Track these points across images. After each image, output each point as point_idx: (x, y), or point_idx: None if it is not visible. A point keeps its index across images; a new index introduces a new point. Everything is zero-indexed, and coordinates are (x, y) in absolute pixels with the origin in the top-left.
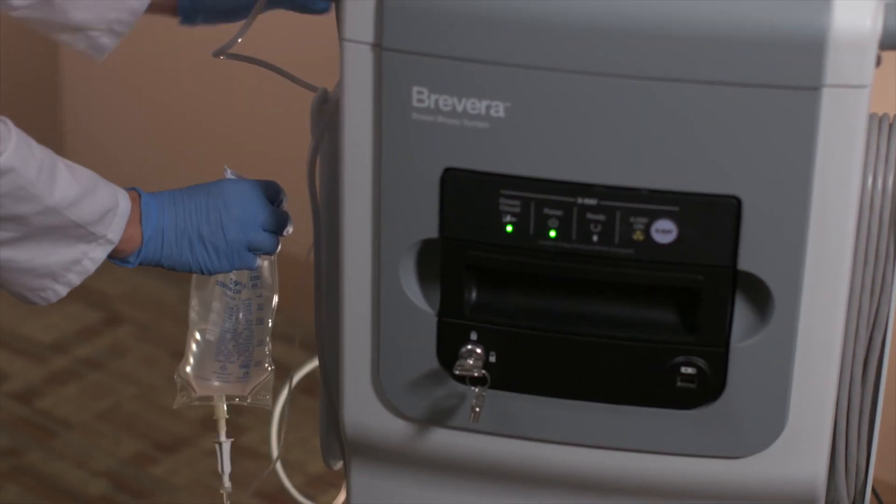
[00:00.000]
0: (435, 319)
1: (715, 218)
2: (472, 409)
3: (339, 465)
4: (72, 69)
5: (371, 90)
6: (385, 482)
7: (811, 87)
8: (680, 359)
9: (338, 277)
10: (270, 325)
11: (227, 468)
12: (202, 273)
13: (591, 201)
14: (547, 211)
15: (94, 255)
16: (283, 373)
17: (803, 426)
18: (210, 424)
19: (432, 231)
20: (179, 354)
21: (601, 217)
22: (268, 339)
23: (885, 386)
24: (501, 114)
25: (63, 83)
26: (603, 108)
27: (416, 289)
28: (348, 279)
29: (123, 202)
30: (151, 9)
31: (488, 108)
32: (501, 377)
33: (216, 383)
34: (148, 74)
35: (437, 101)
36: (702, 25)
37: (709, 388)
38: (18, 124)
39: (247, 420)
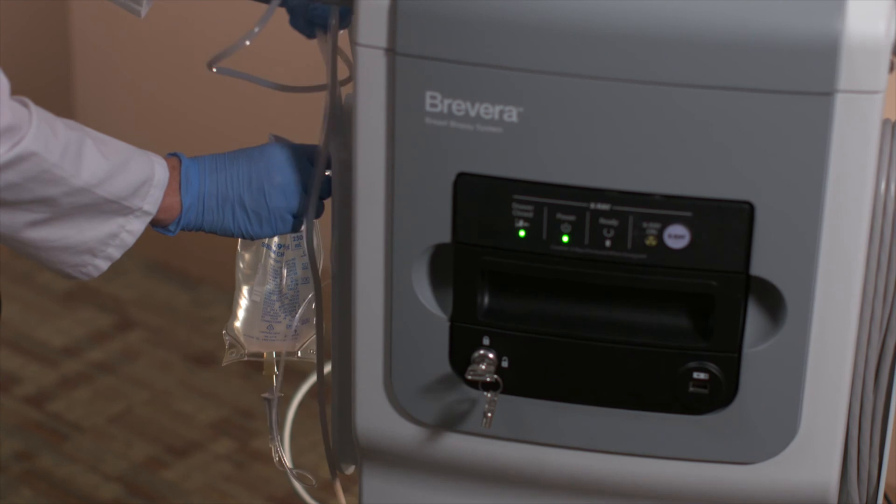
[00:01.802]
0: (447, 324)
1: (728, 223)
2: (485, 415)
3: (350, 469)
4: (85, 74)
5: (384, 95)
6: (397, 487)
7: (824, 93)
8: (692, 364)
9: (350, 282)
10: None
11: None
12: (245, 238)
13: (604, 206)
14: (560, 216)
15: (132, 228)
16: (295, 378)
17: (815, 432)
18: (222, 429)
19: (445, 236)
20: (192, 359)
21: (614, 222)
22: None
23: None
24: (514, 119)
25: (76, 88)
26: (616, 113)
27: (428, 294)
28: (361, 284)
29: (160, 172)
30: None
31: (501, 112)
32: (514, 382)
33: (266, 340)
34: (160, 77)
35: (450, 106)
36: (715, 31)
37: (721, 393)
38: None
39: (259, 425)
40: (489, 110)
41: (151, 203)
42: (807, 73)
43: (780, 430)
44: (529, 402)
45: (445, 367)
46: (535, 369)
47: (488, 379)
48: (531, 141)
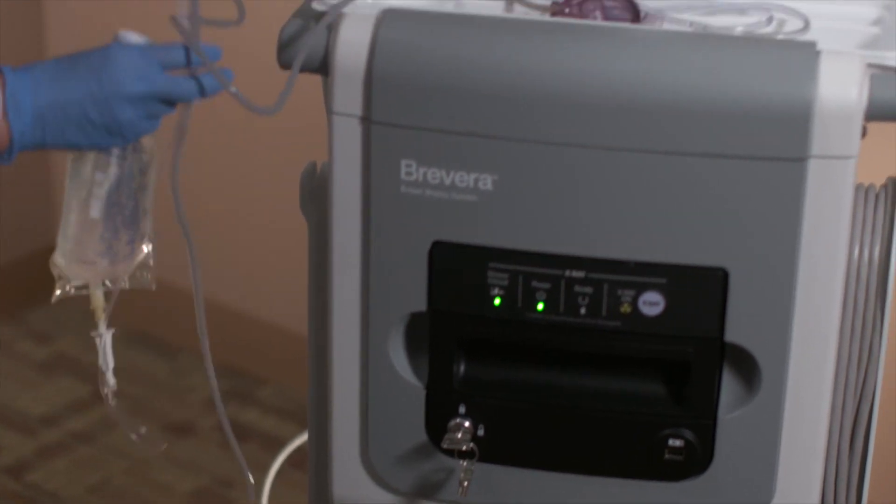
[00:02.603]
0: (423, 392)
1: (702, 290)
2: (460, 483)
3: None
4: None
5: (360, 163)
6: None
7: (797, 159)
8: (668, 431)
9: (327, 348)
10: (152, 191)
11: (111, 363)
12: (95, 150)
13: (579, 274)
14: (535, 284)
15: None
16: (274, 446)
17: (791, 499)
18: (202, 498)
19: (421, 304)
20: (172, 428)
21: (589, 289)
22: (150, 208)
23: (872, 458)
24: (489, 187)
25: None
26: (590, 181)
27: (404, 361)
28: (337, 351)
29: None
30: None
31: (476, 180)
32: (490, 450)
33: (104, 262)
34: None
35: (425, 175)
36: (688, 98)
37: (696, 460)
38: None
39: (238, 494)
40: (464, 178)
41: None
42: (780, 140)
43: (755, 497)
44: (506, 469)
45: (422, 436)
46: (512, 437)
47: (464, 447)
48: (506, 209)
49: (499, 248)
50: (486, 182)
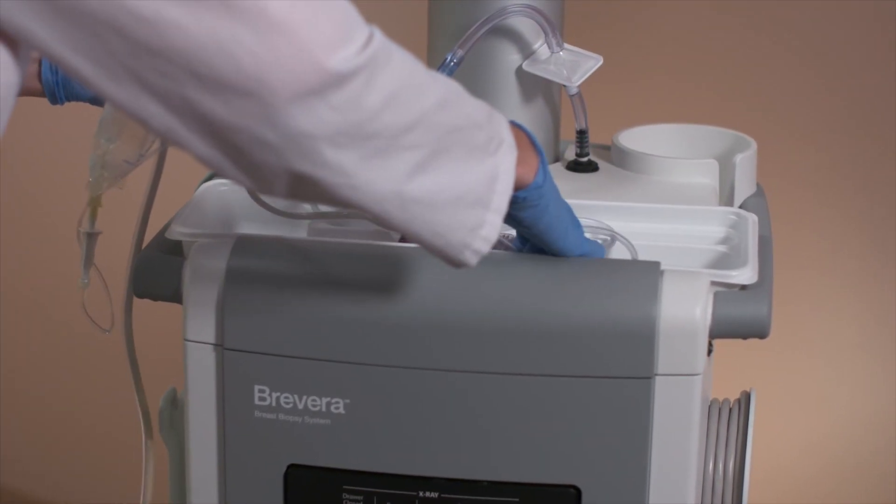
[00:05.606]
0: None
1: None
2: None
3: None
4: None
5: (214, 388)
6: None
7: (643, 377)
8: None
9: None
10: None
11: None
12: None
13: (433, 494)
14: None
15: (506, 166)
16: None
17: None
18: None
19: None
20: None
21: None
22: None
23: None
24: (342, 410)
25: None
26: (441, 403)
27: None
28: None
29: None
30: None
31: (329, 404)
32: None
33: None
34: None
35: (278, 399)
36: (535, 321)
37: None
38: None
39: None
40: (317, 402)
41: (505, 129)
42: (626, 359)
43: None
44: None
45: None
46: None
47: None
48: (359, 432)
49: (353, 470)
50: (339, 406)
